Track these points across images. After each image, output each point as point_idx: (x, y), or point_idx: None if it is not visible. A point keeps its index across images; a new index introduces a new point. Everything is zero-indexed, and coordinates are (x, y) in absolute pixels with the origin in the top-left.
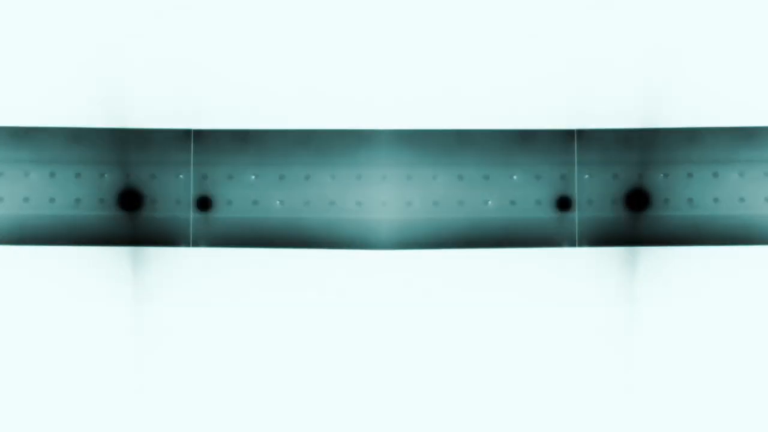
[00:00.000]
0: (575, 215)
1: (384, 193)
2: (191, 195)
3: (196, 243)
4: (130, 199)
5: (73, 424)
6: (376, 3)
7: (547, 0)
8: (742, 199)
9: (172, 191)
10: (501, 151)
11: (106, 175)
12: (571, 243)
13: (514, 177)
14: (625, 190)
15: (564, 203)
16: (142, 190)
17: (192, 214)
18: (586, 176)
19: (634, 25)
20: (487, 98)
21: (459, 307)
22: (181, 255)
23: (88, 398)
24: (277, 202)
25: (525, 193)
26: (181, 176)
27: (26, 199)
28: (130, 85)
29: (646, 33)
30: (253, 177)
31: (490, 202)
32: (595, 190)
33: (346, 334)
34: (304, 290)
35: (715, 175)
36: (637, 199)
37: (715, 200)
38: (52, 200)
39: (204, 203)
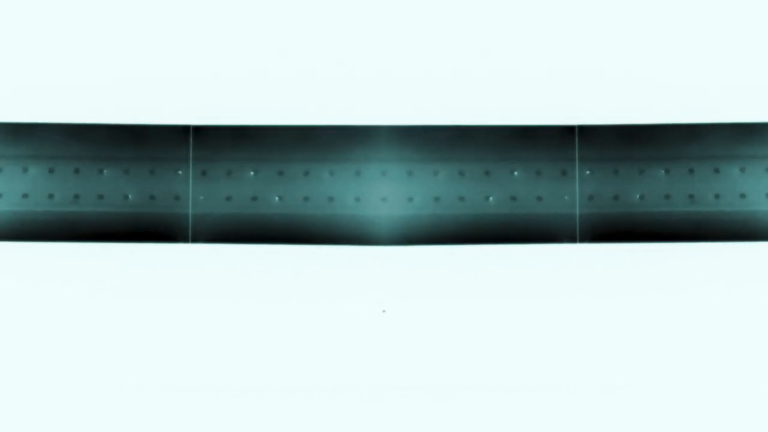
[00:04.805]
0: (576, 211)
1: (384, 189)
2: (190, 191)
3: (195, 239)
4: (128, 195)
5: (76, 425)
6: None
7: None
8: (743, 195)
9: (171, 187)
10: (502, 146)
11: (105, 171)
12: (572, 239)
13: (515, 173)
14: (626, 186)
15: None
16: (140, 186)
17: (191, 210)
18: (587, 172)
19: (635, 20)
20: (488, 93)
21: (460, 302)
22: (180, 251)
23: (85, 393)
24: (276, 198)
25: (526, 189)
26: (179, 172)
27: (25, 195)
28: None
29: (646, 28)
30: (251, 173)
31: (491, 198)
32: (597, 186)
33: (347, 330)
34: (300, 286)
35: (716, 171)
36: (638, 195)
37: (716, 196)
38: (50, 196)
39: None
